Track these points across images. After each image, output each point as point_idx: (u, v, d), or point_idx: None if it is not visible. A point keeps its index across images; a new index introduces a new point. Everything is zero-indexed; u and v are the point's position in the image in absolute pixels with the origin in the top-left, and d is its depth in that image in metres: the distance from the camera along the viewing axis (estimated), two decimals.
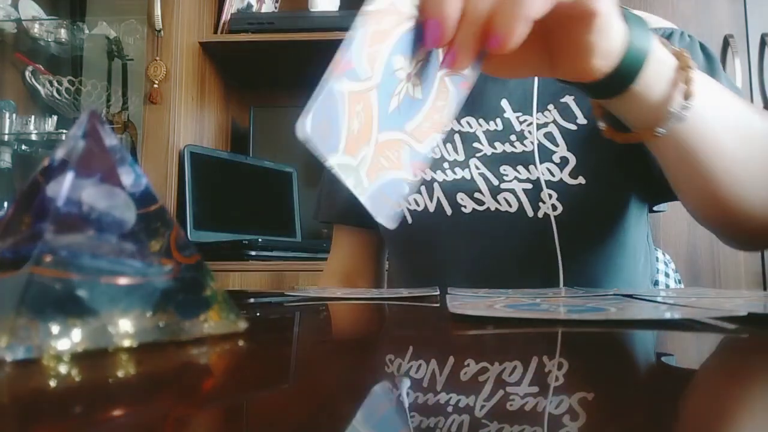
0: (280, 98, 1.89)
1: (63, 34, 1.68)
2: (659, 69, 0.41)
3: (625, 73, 0.40)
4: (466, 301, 0.35)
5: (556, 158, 0.60)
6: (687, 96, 0.40)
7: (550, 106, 0.62)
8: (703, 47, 0.62)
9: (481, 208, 0.62)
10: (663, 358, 0.20)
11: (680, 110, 0.41)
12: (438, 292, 0.48)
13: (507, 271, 0.63)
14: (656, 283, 0.83)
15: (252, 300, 0.47)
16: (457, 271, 0.65)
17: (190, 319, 0.21)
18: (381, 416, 0.13)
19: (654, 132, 0.42)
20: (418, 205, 0.65)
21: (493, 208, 0.62)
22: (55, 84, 1.63)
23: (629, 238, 0.64)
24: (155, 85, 1.46)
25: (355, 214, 0.79)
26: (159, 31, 1.46)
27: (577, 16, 0.36)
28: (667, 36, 0.62)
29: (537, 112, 0.62)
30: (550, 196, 0.59)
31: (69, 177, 0.19)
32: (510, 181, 0.61)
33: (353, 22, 0.33)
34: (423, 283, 0.65)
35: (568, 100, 0.62)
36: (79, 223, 0.19)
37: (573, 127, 0.61)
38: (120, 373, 0.17)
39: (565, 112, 0.61)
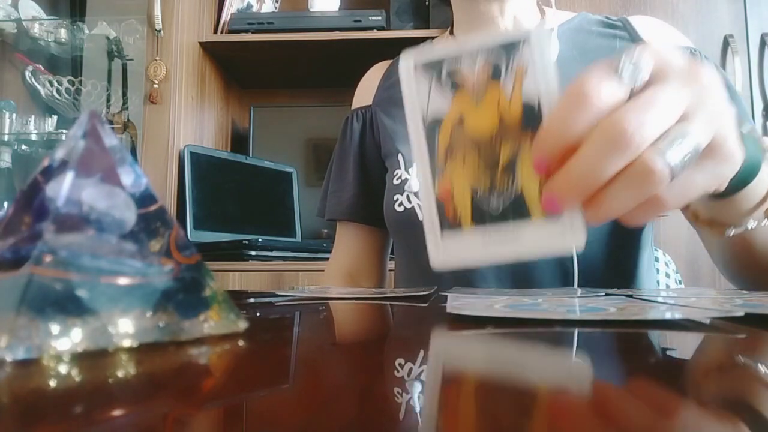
0: (280, 98, 1.89)
1: (63, 34, 1.68)
2: (755, 187, 0.40)
3: (727, 191, 0.39)
4: (466, 301, 0.36)
5: None
6: None
7: None
8: (718, 70, 0.63)
9: None
10: (662, 358, 0.20)
11: (757, 224, 0.42)
12: (433, 291, 0.48)
13: (520, 272, 0.63)
14: (656, 283, 0.84)
15: (252, 300, 0.47)
16: (468, 271, 0.65)
17: (190, 319, 0.21)
18: (380, 416, 0.13)
19: (724, 231, 0.43)
20: None
21: None
22: (55, 84, 1.63)
23: (638, 241, 0.65)
24: (155, 85, 1.46)
25: (362, 211, 0.79)
26: (159, 31, 1.46)
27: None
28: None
29: None
30: None
31: (69, 177, 0.19)
32: None
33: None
34: (432, 284, 0.65)
35: None
36: (79, 223, 0.19)
37: None
38: (120, 373, 0.17)
39: None
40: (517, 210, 0.34)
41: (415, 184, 0.68)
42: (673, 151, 0.29)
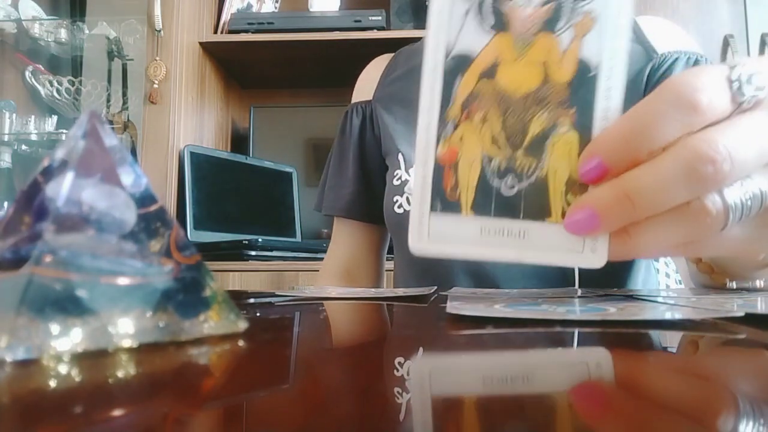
0: (280, 98, 1.89)
1: (63, 34, 1.68)
2: None
3: None
4: (466, 301, 0.36)
5: None
6: None
7: None
8: None
9: None
10: (662, 358, 0.20)
11: (765, 283, 0.37)
12: (433, 291, 0.48)
13: (518, 274, 0.62)
14: (657, 283, 0.83)
15: (252, 300, 0.47)
16: (466, 272, 0.65)
17: (190, 319, 0.21)
18: (380, 416, 0.13)
19: (725, 283, 0.38)
20: None
21: None
22: (55, 84, 1.63)
23: None
24: (155, 85, 1.46)
25: (361, 209, 0.78)
26: (159, 31, 1.46)
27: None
28: (693, 64, 0.63)
29: None
30: None
31: (69, 177, 0.19)
32: None
33: None
34: (431, 284, 0.65)
35: None
36: (79, 223, 0.19)
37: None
38: (120, 373, 0.17)
39: None
40: (532, 201, 0.27)
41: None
42: (738, 198, 0.24)
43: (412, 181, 0.29)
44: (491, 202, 0.28)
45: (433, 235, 0.28)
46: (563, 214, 0.27)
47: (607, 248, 0.26)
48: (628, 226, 0.25)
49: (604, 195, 0.24)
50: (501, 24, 0.28)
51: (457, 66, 0.29)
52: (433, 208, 0.28)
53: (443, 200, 0.28)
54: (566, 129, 0.27)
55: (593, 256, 0.26)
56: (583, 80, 0.27)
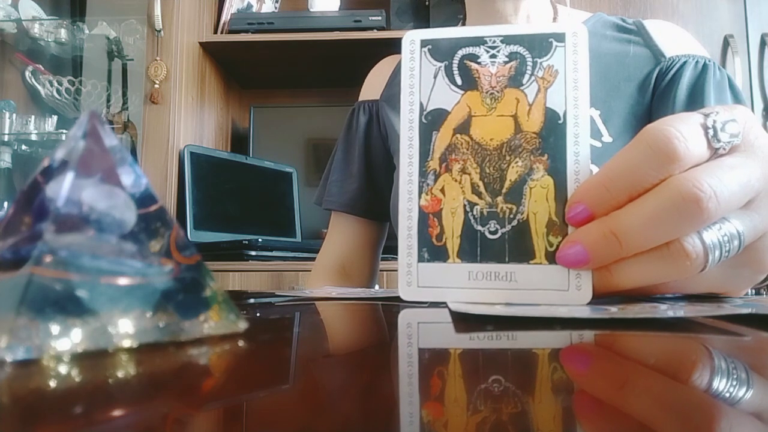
0: (280, 98, 1.89)
1: (63, 34, 1.68)
2: None
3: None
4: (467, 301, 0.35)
5: None
6: None
7: None
8: (731, 83, 0.63)
9: None
10: (663, 358, 0.20)
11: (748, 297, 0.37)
12: None
13: None
14: None
15: (252, 300, 0.47)
16: None
17: (190, 319, 0.21)
18: (381, 417, 0.13)
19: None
20: None
21: None
22: (55, 84, 1.63)
23: None
24: (155, 85, 1.46)
25: (363, 205, 0.78)
26: (159, 31, 1.46)
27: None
28: (701, 68, 0.62)
29: None
30: None
31: (69, 177, 0.19)
32: None
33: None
34: None
35: (594, 114, 0.60)
36: (79, 224, 0.19)
37: (598, 144, 0.60)
38: (120, 374, 0.17)
39: (591, 128, 0.59)
40: (516, 245, 0.28)
41: None
42: (717, 240, 0.25)
43: (398, 231, 0.30)
44: (477, 248, 0.29)
45: (423, 283, 0.29)
46: (546, 255, 0.28)
47: (591, 285, 0.27)
48: (610, 265, 0.26)
49: (592, 232, 0.26)
50: (469, 83, 0.30)
51: (432, 122, 0.30)
52: (420, 258, 0.29)
53: (430, 249, 0.29)
54: (541, 174, 0.29)
55: (579, 293, 0.28)
56: (553, 129, 0.29)
